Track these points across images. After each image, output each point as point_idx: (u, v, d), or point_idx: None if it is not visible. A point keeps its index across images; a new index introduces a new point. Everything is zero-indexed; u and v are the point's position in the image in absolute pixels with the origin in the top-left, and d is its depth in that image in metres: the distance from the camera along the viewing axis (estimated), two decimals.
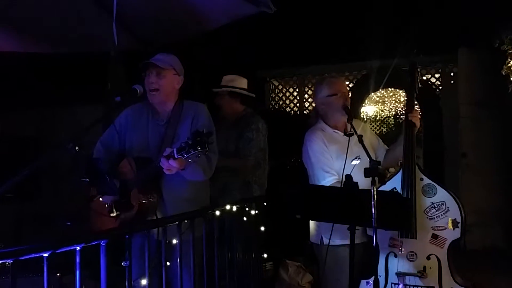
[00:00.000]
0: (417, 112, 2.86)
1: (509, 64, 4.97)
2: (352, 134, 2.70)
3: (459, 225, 2.53)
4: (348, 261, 2.43)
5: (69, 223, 3.15)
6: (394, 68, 4.00)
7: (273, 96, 7.87)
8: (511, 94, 5.02)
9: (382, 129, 10.48)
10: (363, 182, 2.41)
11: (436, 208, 2.58)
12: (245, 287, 3.15)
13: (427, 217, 2.60)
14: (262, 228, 3.36)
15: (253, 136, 3.61)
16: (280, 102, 7.86)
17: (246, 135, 3.61)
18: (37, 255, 1.65)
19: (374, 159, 2.48)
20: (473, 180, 5.81)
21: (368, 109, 10.53)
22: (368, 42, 5.70)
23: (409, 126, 2.77)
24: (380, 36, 5.53)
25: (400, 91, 9.42)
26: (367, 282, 2.68)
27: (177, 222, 2.39)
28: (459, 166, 5.91)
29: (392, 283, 2.64)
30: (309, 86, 7.71)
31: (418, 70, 2.91)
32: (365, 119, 10.20)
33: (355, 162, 2.76)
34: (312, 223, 3.03)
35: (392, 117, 10.43)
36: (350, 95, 3.18)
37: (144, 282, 2.21)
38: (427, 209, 2.60)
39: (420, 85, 2.91)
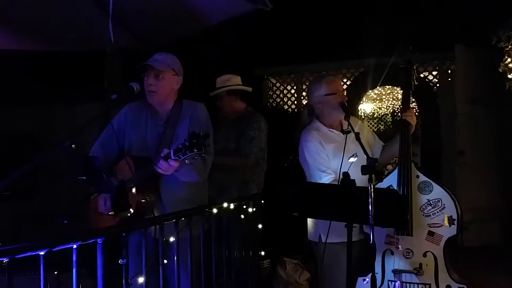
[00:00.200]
0: (412, 110, 2.86)
1: (506, 62, 4.98)
2: (350, 132, 2.70)
3: (455, 222, 2.54)
4: (345, 259, 2.44)
5: (66, 221, 3.15)
6: (391, 65, 4.00)
7: (271, 94, 7.87)
8: (508, 92, 5.03)
9: (380, 127, 10.49)
10: (360, 180, 2.41)
11: (432, 205, 2.59)
12: (243, 284, 3.15)
13: (423, 214, 2.60)
14: (260, 226, 3.37)
15: (254, 135, 3.61)
16: (278, 100, 7.86)
17: (248, 133, 3.61)
18: (34, 253, 1.65)
19: (371, 156, 2.48)
20: (470, 177, 5.82)
21: (366, 107, 10.54)
22: (365, 39, 5.70)
23: (404, 124, 2.78)
24: (377, 33, 5.53)
25: (398, 89, 9.42)
26: (364, 279, 2.69)
27: (174, 220, 2.39)
28: (456, 164, 5.92)
29: (388, 280, 2.65)
30: (307, 83, 7.70)
31: (414, 67, 2.91)
32: (363, 117, 10.22)
33: (352, 159, 2.76)
34: (310, 221, 3.03)
35: (389, 115, 10.44)
36: (347, 93, 3.18)
37: (141, 280, 2.21)
38: (423, 206, 2.61)
39: (416, 83, 2.91)
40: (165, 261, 2.38)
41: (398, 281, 2.62)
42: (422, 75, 7.05)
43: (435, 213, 2.58)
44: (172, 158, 2.30)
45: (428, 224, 2.59)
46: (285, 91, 7.87)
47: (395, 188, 2.65)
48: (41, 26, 3.95)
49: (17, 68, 5.56)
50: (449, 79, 6.80)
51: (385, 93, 10.30)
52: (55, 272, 2.72)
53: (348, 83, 7.57)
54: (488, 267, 4.60)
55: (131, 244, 2.19)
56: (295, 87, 7.79)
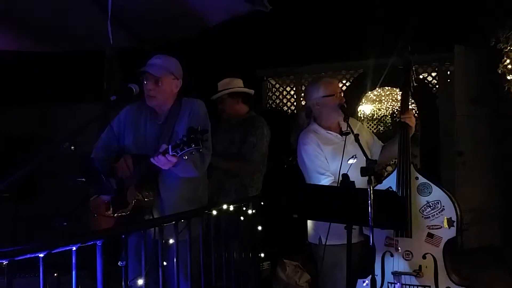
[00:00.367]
0: (411, 112, 2.85)
1: (505, 63, 4.98)
2: (349, 133, 2.70)
3: (455, 224, 2.54)
4: (345, 261, 2.44)
5: (66, 223, 3.15)
6: (390, 67, 4.01)
7: (270, 95, 7.87)
8: (507, 93, 5.03)
9: (380, 128, 10.48)
10: (359, 181, 2.41)
11: (431, 207, 2.59)
12: (243, 286, 3.15)
13: (422, 216, 2.60)
14: (260, 228, 3.37)
15: (256, 141, 3.59)
16: (277, 101, 7.85)
17: (250, 139, 3.58)
18: (33, 256, 1.65)
19: (370, 157, 2.48)
20: (469, 178, 5.81)
21: (365, 108, 10.53)
22: (365, 41, 5.70)
23: (403, 126, 2.77)
24: (377, 35, 5.53)
25: (397, 90, 9.42)
26: (364, 281, 2.69)
27: (173, 222, 2.39)
28: (455, 165, 5.92)
29: (388, 283, 2.65)
30: (306, 85, 7.70)
31: (413, 69, 2.91)
32: (362, 118, 10.21)
33: (351, 161, 2.76)
34: (309, 224, 3.03)
35: (389, 116, 10.43)
36: (346, 94, 3.18)
37: (140, 282, 2.21)
38: (423, 208, 2.61)
39: (415, 84, 2.91)
40: (165, 263, 2.38)
41: (398, 283, 2.61)
42: (421, 76, 7.06)
43: (434, 215, 2.58)
44: (170, 153, 2.31)
45: (428, 226, 2.59)
46: (284, 92, 7.87)
47: (394, 189, 2.64)
48: (40, 27, 3.95)
49: (17, 69, 5.57)
50: (448, 80, 6.80)
51: (384, 95, 10.29)
52: (55, 274, 2.72)
53: (347, 84, 7.57)
54: (488, 268, 4.60)
55: (130, 246, 2.19)
56: (294, 88, 7.79)
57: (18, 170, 1.99)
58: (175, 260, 2.40)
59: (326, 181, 2.83)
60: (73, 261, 1.82)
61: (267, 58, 6.94)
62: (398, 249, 2.63)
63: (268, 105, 7.68)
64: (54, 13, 3.73)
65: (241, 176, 3.61)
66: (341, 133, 2.92)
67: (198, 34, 4.46)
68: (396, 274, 2.62)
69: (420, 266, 2.58)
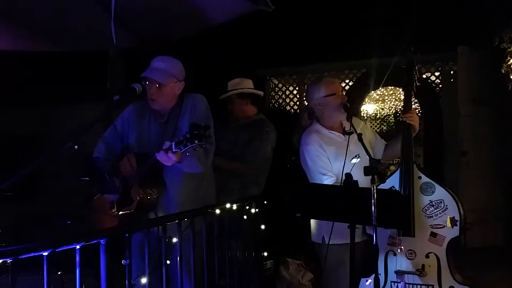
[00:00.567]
0: (414, 112, 2.84)
1: (509, 62, 4.98)
2: (352, 133, 2.70)
3: (458, 223, 2.54)
4: (348, 260, 2.44)
5: (69, 222, 3.16)
6: (393, 66, 4.00)
7: (273, 94, 7.87)
8: (510, 93, 5.02)
9: (383, 127, 10.47)
10: (362, 181, 2.41)
11: (434, 206, 2.59)
12: (245, 285, 3.15)
13: (425, 216, 2.60)
14: (263, 227, 3.37)
15: (261, 146, 3.58)
16: (280, 101, 7.85)
17: (255, 143, 3.57)
18: (37, 254, 1.65)
19: (373, 156, 2.48)
20: (473, 178, 5.81)
21: (368, 108, 10.53)
22: (368, 40, 5.70)
23: (406, 126, 2.77)
24: (380, 34, 5.53)
25: (400, 90, 9.40)
26: (367, 280, 2.69)
27: (177, 221, 2.39)
28: (459, 164, 5.91)
29: (391, 282, 2.65)
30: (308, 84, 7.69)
31: (416, 68, 2.90)
32: (365, 118, 10.20)
33: (354, 160, 2.76)
34: (313, 223, 3.03)
35: (392, 115, 10.42)
36: (349, 94, 3.18)
37: (144, 280, 2.21)
38: (426, 208, 2.60)
39: (418, 83, 2.90)
40: (168, 262, 2.39)
41: (401, 282, 2.61)
42: (424, 76, 7.04)
43: (437, 214, 2.58)
44: (173, 150, 2.32)
45: (431, 225, 2.58)
46: (287, 92, 7.87)
47: (397, 189, 2.64)
48: (43, 26, 3.96)
49: (21, 69, 5.59)
50: (452, 80, 6.79)
51: (387, 94, 10.28)
52: (59, 273, 2.72)
53: (350, 83, 7.56)
54: (491, 268, 4.59)
55: (134, 243, 2.19)
56: (297, 88, 7.79)
57: (21, 170, 2.00)
58: (178, 258, 2.40)
59: (328, 181, 2.83)
60: (77, 259, 1.82)
61: (270, 58, 6.93)
62: (401, 248, 2.62)
63: (271, 105, 7.68)
64: (56, 13, 3.74)
65: (242, 176, 3.61)
66: (344, 133, 2.92)
67: (201, 34, 4.46)
68: (399, 273, 2.62)
69: (423, 265, 2.58)
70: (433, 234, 2.57)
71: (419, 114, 6.48)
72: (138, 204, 2.57)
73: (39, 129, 6.36)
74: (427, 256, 2.58)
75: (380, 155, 3.04)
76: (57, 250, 1.70)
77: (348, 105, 2.90)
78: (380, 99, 10.50)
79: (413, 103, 2.95)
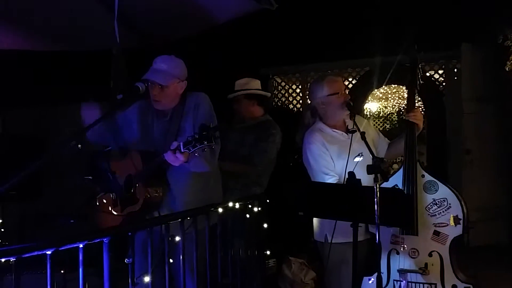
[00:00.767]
0: (417, 110, 2.84)
1: None
2: (355, 131, 2.70)
3: (461, 221, 2.53)
4: (351, 258, 2.44)
5: (73, 221, 3.17)
6: (397, 64, 3.99)
7: (276, 93, 7.86)
8: None
9: (386, 126, 10.45)
10: (365, 179, 2.41)
11: (437, 205, 2.58)
12: (248, 283, 3.16)
13: (428, 214, 2.60)
14: (265, 225, 3.37)
15: (267, 148, 3.58)
16: (283, 99, 7.85)
17: (261, 145, 3.56)
18: (40, 253, 1.66)
19: (376, 155, 2.48)
20: (476, 176, 5.79)
21: (372, 106, 10.51)
22: (371, 38, 5.68)
23: (409, 124, 2.76)
24: (383, 32, 5.51)
25: (403, 88, 9.39)
26: (370, 279, 2.69)
27: (180, 220, 2.40)
28: (462, 163, 5.89)
29: (394, 280, 2.65)
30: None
31: (420, 66, 2.90)
32: (369, 116, 10.19)
33: (357, 159, 2.75)
34: (315, 222, 3.03)
35: (395, 114, 10.40)
36: (352, 92, 3.18)
37: (147, 279, 2.22)
38: (429, 206, 2.60)
39: (421, 82, 2.90)
40: (171, 260, 2.40)
41: (404, 281, 2.61)
42: (428, 74, 7.02)
43: (440, 212, 2.58)
44: (182, 150, 2.32)
45: (434, 223, 2.58)
46: (290, 90, 7.86)
47: (401, 187, 2.64)
48: (46, 26, 3.97)
49: (21, 68, 5.59)
50: (455, 78, 6.76)
51: (391, 92, 10.26)
52: (62, 271, 2.74)
53: (353, 82, 7.55)
54: (495, 267, 4.57)
55: (137, 242, 2.20)
56: (300, 86, 7.78)
57: (24, 169, 2.00)
58: (181, 257, 2.41)
59: (330, 181, 2.83)
60: (80, 258, 1.83)
61: (273, 56, 6.92)
62: (404, 247, 2.62)
63: (274, 103, 7.68)
64: (60, 12, 3.75)
65: (246, 177, 3.61)
66: (347, 131, 2.92)
67: (203, 33, 4.46)
68: (402, 272, 2.62)
69: (426, 264, 2.58)
70: (436, 233, 2.57)
71: (422, 112, 6.46)
72: (143, 203, 2.57)
73: (43, 130, 6.37)
74: (430, 254, 2.58)
75: (383, 154, 3.04)
76: (60, 249, 1.71)
77: (351, 104, 2.90)
78: (384, 97, 10.48)
79: (416, 101, 2.95)
